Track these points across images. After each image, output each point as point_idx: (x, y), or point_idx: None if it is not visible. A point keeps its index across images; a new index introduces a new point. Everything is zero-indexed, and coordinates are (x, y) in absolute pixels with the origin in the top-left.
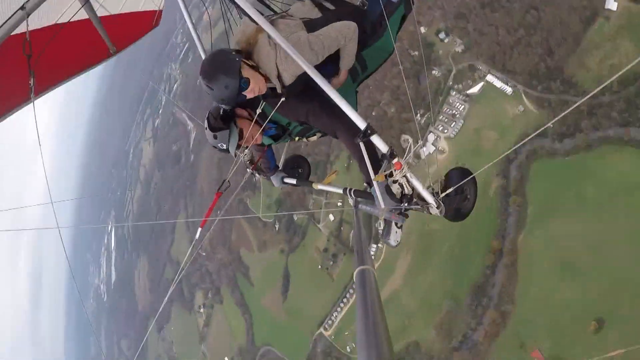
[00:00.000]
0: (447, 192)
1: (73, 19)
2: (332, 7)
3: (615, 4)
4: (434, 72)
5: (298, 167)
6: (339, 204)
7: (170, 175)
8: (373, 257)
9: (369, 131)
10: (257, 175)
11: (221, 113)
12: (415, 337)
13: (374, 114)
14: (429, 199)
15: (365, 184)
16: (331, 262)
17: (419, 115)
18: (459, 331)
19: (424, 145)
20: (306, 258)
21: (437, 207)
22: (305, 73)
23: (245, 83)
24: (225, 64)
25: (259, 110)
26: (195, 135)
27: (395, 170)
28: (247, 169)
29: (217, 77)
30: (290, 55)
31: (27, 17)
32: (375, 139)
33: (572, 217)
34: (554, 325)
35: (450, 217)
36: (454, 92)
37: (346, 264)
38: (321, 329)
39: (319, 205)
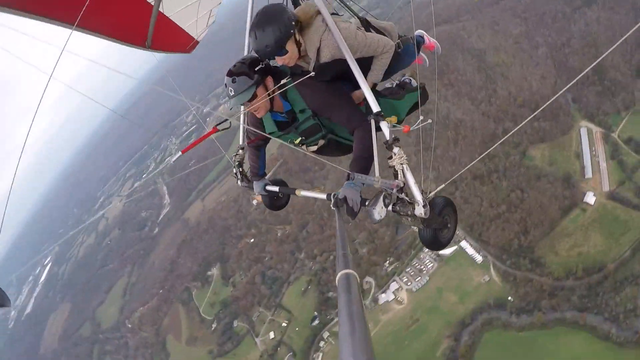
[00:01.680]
0: (438, 189)
1: None
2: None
3: (594, 198)
4: (413, 227)
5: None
6: (284, 324)
7: (127, 238)
8: None
9: (381, 115)
10: (239, 181)
11: (254, 63)
12: None
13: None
14: (418, 195)
15: (348, 173)
16: None
17: (387, 262)
18: None
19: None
20: None
21: (424, 207)
22: (340, 62)
23: (283, 52)
24: (281, 21)
25: (283, 81)
26: (167, 211)
27: (394, 153)
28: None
29: (270, 24)
30: (336, 37)
31: None
32: (384, 125)
33: None
34: None
35: (427, 237)
36: (427, 250)
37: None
38: None
39: (262, 319)
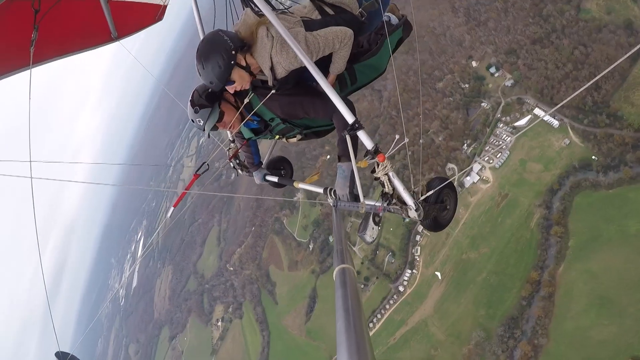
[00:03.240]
0: (427, 194)
1: None
2: (331, 12)
3: None
4: (483, 104)
5: (281, 168)
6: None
7: (209, 190)
8: (406, 283)
9: (356, 125)
10: (239, 171)
11: (209, 91)
12: None
13: (421, 141)
14: (409, 201)
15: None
16: (362, 285)
17: (465, 145)
18: None
19: (468, 172)
20: None
21: (416, 210)
22: (297, 69)
23: (230, 82)
24: (219, 56)
25: (246, 100)
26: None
27: (378, 163)
28: (229, 160)
29: (209, 60)
30: (286, 48)
31: None
32: (362, 135)
33: (614, 252)
34: None
35: (428, 226)
36: (502, 125)
37: (378, 288)
38: None
39: (355, 226)
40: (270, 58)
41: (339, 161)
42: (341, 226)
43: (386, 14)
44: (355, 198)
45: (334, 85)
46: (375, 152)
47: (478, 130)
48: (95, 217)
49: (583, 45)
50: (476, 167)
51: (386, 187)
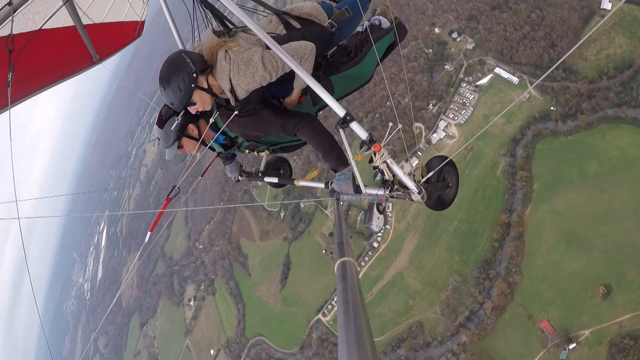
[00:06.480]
0: (428, 176)
1: (57, 25)
2: (298, 26)
3: (610, 4)
4: (446, 67)
5: (280, 168)
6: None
7: (173, 172)
8: (380, 239)
9: (348, 117)
10: (240, 177)
11: (176, 119)
12: (419, 317)
13: (388, 104)
14: (410, 185)
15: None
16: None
17: (431, 105)
18: (465, 307)
19: (432, 133)
20: (310, 244)
21: (419, 193)
22: (259, 88)
23: (191, 104)
24: (180, 78)
25: (211, 120)
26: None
27: (375, 153)
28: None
29: (170, 83)
30: (243, 70)
31: (14, 12)
32: (355, 126)
33: (576, 191)
34: (562, 295)
35: (432, 206)
36: (465, 84)
37: (352, 247)
38: (319, 315)
39: (325, 193)
40: (230, 80)
41: (336, 172)
42: (342, 219)
43: (377, 17)
44: (357, 189)
45: (303, 100)
46: (371, 142)
47: (442, 90)
48: (54, 210)
49: (539, 9)
50: (442, 124)
51: (386, 174)
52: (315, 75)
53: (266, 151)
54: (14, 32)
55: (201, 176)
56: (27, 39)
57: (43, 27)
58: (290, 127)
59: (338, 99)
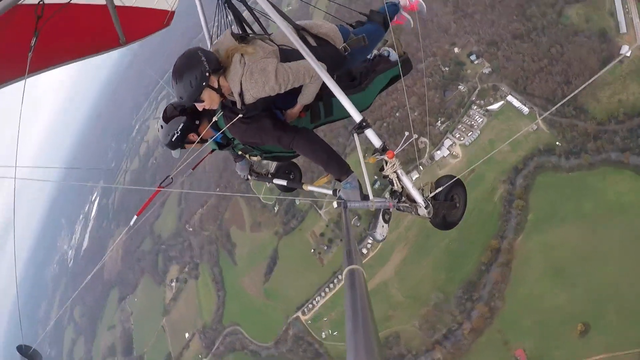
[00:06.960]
0: (437, 191)
1: (89, 1)
2: (313, 44)
3: (630, 51)
4: (460, 87)
5: (290, 172)
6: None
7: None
8: (370, 246)
9: (364, 123)
10: (250, 177)
11: (179, 109)
12: (397, 328)
13: (397, 114)
14: (418, 198)
15: (335, 181)
16: (325, 247)
17: (439, 122)
18: (443, 325)
19: (438, 148)
20: (300, 242)
21: (426, 208)
22: (266, 98)
23: (200, 101)
24: (193, 75)
25: (215, 119)
26: None
27: (387, 160)
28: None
29: (182, 78)
30: (255, 77)
31: None
32: (369, 133)
33: (569, 227)
34: (541, 326)
35: (437, 224)
36: (475, 107)
37: (341, 251)
38: (298, 313)
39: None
40: (240, 84)
41: (340, 181)
42: (350, 227)
43: (386, 48)
44: (365, 197)
45: (303, 116)
46: (384, 149)
47: (452, 109)
48: (50, 174)
49: (559, 44)
50: (447, 142)
51: (395, 185)
52: (319, 94)
53: (258, 157)
54: (45, 1)
55: (192, 169)
56: (55, 9)
57: (74, 1)
58: (286, 142)
59: (333, 121)
